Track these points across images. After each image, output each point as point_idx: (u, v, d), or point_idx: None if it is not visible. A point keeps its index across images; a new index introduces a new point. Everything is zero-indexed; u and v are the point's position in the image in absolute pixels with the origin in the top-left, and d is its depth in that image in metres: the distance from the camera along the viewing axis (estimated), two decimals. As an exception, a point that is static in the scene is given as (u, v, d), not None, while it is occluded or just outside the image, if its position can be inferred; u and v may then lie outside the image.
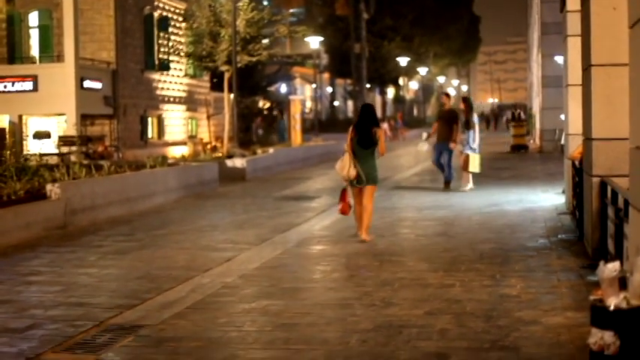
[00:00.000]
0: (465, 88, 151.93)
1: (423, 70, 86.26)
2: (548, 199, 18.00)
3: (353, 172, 12.73)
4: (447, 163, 20.34)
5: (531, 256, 11.16)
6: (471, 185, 20.14)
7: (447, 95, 22.44)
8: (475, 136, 20.19)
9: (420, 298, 8.75)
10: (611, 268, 5.44)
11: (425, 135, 22.39)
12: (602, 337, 5.40)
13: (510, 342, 7.04)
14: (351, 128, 13.12)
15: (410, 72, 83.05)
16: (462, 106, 21.02)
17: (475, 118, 20.43)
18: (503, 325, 7.53)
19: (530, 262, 10.70)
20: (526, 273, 9.98)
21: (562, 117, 19.79)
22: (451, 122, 20.29)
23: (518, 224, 14.34)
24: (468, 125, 20.18)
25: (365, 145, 12.85)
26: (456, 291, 9.03)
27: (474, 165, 20.05)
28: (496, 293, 8.88)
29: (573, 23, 14.22)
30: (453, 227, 14.20)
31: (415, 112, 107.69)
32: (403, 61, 73.02)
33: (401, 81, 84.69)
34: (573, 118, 14.83)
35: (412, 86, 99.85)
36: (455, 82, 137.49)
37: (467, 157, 20.00)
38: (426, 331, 7.43)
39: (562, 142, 21.82)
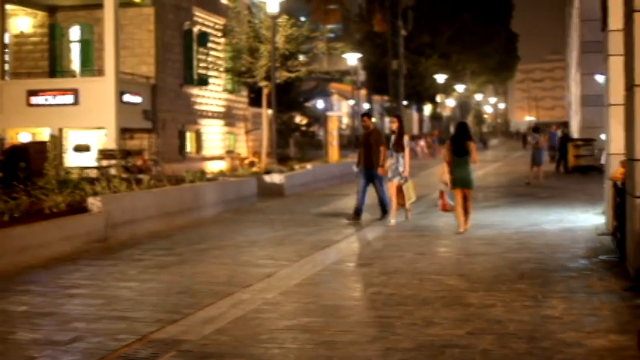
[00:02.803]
0: (502, 105, 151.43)
1: (460, 88, 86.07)
2: (588, 219, 17.88)
3: (447, 177, 16.02)
4: (381, 190, 18.32)
5: (572, 277, 11.08)
6: (393, 221, 17.52)
7: (368, 116, 19.52)
8: (405, 162, 17.61)
9: (462, 317, 8.72)
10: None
11: (355, 169, 19.14)
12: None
13: (554, 364, 7.01)
14: (448, 142, 16.47)
15: (447, 89, 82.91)
16: (394, 126, 17.96)
17: (406, 140, 17.80)
18: (546, 347, 7.49)
19: (571, 283, 10.63)
20: (568, 294, 9.92)
21: (603, 136, 19.59)
22: (375, 145, 18.22)
23: (558, 244, 14.26)
24: (398, 148, 17.54)
25: (459, 154, 15.92)
26: (497, 311, 8.99)
27: (409, 195, 17.77)
28: (538, 314, 8.83)
29: (615, 42, 14.15)
30: (493, 246, 14.13)
31: (452, 129, 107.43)
32: (440, 78, 72.91)
33: (438, 98, 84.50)
34: (615, 137, 14.75)
35: (449, 103, 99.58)
36: (492, 99, 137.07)
37: (400, 187, 17.58)
38: (468, 351, 7.40)
39: (602, 161, 21.63)
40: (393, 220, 17.51)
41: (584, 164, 35.87)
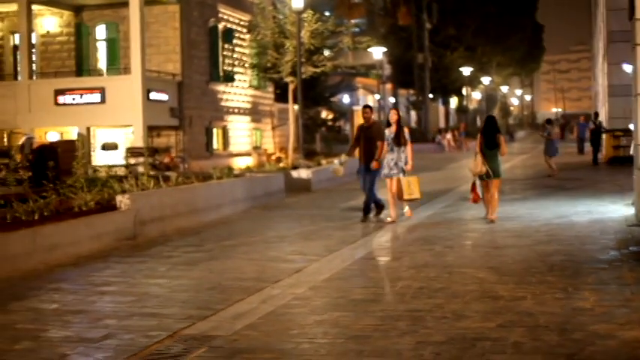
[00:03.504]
0: (528, 97, 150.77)
1: (486, 80, 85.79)
2: (617, 210, 17.78)
3: (483, 169, 16.59)
4: (370, 185, 17.35)
5: (603, 269, 11.02)
6: (393, 217, 17.08)
7: (369, 108, 18.19)
8: (407, 156, 17.21)
9: (492, 310, 8.69)
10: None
11: (343, 158, 18.57)
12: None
13: (586, 356, 6.97)
14: (479, 135, 17.05)
15: (473, 82, 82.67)
16: (393, 118, 17.29)
17: (407, 134, 17.32)
18: (578, 339, 7.46)
19: (601, 275, 10.58)
20: (598, 285, 9.87)
21: (631, 126, 19.44)
22: (375, 139, 17.24)
23: (588, 236, 14.19)
24: (399, 142, 17.10)
25: (490, 147, 16.67)
26: (527, 304, 8.96)
27: (411, 190, 17.08)
28: (569, 306, 8.79)
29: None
30: (522, 239, 14.08)
31: (478, 122, 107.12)
32: (466, 70, 72.68)
33: (464, 91, 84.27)
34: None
35: (475, 96, 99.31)
36: (518, 91, 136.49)
37: (399, 181, 17.05)
38: (499, 344, 7.38)
39: (631, 152, 21.47)
40: (393, 215, 17.03)
41: (624, 155, 35.11)
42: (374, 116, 18.24)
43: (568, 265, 11.30)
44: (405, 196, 17.04)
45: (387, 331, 7.98)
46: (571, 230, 14.95)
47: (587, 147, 41.70)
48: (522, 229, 15.43)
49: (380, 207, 17.70)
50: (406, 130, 17.40)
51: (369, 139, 17.32)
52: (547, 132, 30.22)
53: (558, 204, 19.50)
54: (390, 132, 17.13)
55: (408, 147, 17.19)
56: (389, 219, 16.98)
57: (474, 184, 17.07)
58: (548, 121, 32.06)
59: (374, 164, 17.04)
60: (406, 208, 17.62)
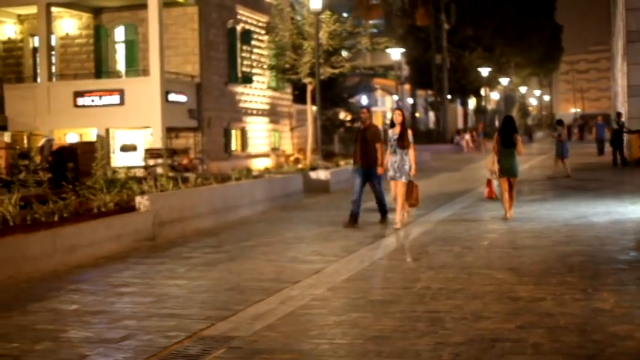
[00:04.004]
0: (547, 98, 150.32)
1: (504, 81, 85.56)
2: (637, 211, 17.71)
3: (495, 167, 17.36)
4: (379, 188, 17.09)
5: (622, 270, 10.98)
6: (399, 225, 16.29)
7: (367, 110, 18.01)
8: (411, 159, 16.46)
9: (511, 311, 8.67)
10: None
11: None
12: None
13: (606, 357, 6.94)
14: (496, 134, 17.73)
15: (491, 82, 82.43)
16: (398, 119, 16.51)
17: (410, 136, 16.57)
18: (598, 340, 7.43)
19: (621, 276, 10.53)
20: (618, 287, 9.83)
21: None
22: (372, 141, 16.86)
23: (607, 237, 14.13)
24: (403, 144, 16.32)
25: (507, 146, 17.26)
26: (547, 304, 8.93)
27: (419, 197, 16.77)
28: (588, 307, 8.76)
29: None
30: (541, 239, 14.04)
31: (497, 122, 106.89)
32: (484, 71, 72.49)
33: (482, 91, 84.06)
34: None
35: (494, 97, 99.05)
36: (537, 92, 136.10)
37: (410, 187, 16.54)
38: (519, 345, 7.36)
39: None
40: (399, 221, 16.33)
41: None
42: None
43: (588, 266, 11.26)
44: (418, 203, 16.84)
45: (406, 332, 7.98)
46: (590, 231, 14.90)
47: (607, 147, 41.50)
48: (542, 229, 15.38)
49: (384, 213, 17.28)
50: (410, 132, 16.67)
51: (365, 141, 16.96)
52: (558, 133, 30.12)
53: (578, 204, 19.43)
54: (393, 133, 16.52)
55: (411, 150, 16.43)
56: (396, 225, 16.26)
57: (489, 180, 18.08)
58: (559, 122, 31.93)
59: (379, 170, 16.75)
60: (408, 214, 17.01)
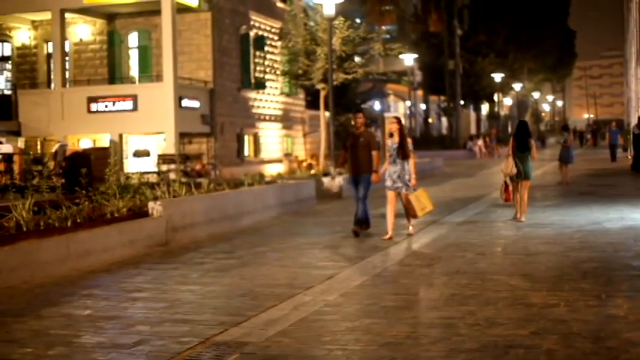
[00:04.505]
0: (560, 103, 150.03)
1: (517, 86, 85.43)
2: (651, 217, 17.67)
3: (514, 170, 17.74)
4: (363, 197, 16.09)
5: (636, 276, 10.94)
6: (389, 234, 15.69)
7: (362, 113, 16.86)
8: (410, 169, 15.80)
9: (525, 317, 8.64)
10: None
11: (333, 171, 16.82)
12: None
13: (620, 364, 6.93)
14: (511, 139, 18.29)
15: (504, 88, 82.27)
16: (393, 127, 15.86)
17: (410, 145, 15.92)
18: (612, 347, 7.40)
19: (635, 282, 10.49)
20: (632, 293, 9.79)
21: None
22: (369, 148, 15.97)
23: (621, 243, 14.09)
24: (404, 154, 15.66)
25: (521, 150, 17.93)
26: (560, 311, 8.90)
27: (422, 205, 15.92)
28: (602, 313, 8.73)
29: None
30: (555, 246, 14.01)
31: (510, 128, 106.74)
32: (497, 77, 72.40)
33: (495, 97, 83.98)
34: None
35: (506, 102, 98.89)
36: (550, 97, 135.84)
37: (408, 199, 15.86)
38: (532, 351, 7.33)
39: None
40: (390, 232, 15.60)
41: None
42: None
43: (601, 272, 11.22)
44: (419, 213, 15.87)
45: (419, 338, 7.96)
46: (604, 237, 14.85)
47: (619, 153, 41.38)
48: (555, 235, 15.34)
49: (367, 225, 16.32)
50: (409, 141, 15.97)
51: (359, 147, 16.01)
52: (564, 139, 30.05)
53: (591, 210, 19.38)
54: (392, 142, 15.76)
55: (411, 159, 15.76)
56: (385, 236, 15.56)
57: (506, 185, 18.01)
58: (564, 128, 31.86)
59: (374, 176, 15.90)
60: (410, 228, 16.21)
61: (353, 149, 16.16)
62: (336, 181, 16.70)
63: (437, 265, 12.41)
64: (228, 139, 39.02)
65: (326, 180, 16.90)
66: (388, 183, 15.77)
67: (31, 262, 11.98)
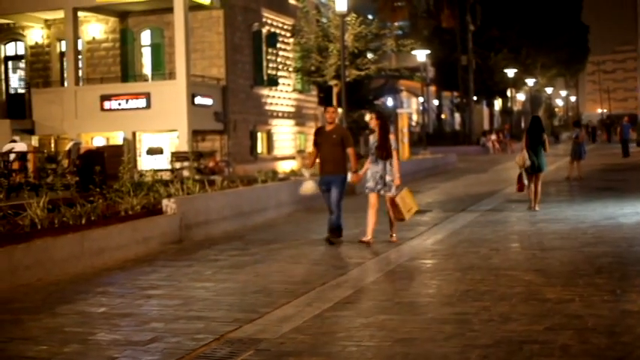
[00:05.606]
0: (573, 98, 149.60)
1: (530, 82, 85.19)
2: (666, 211, 17.61)
3: (529, 162, 18.64)
4: (337, 201, 14.76)
5: (651, 271, 10.93)
6: (369, 237, 14.60)
7: (334, 107, 15.41)
8: (394, 169, 14.56)
9: (539, 313, 8.63)
10: None
11: (306, 172, 16.36)
12: None
13: (635, 359, 6.90)
14: (525, 134, 19.41)
15: (517, 83, 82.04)
16: (373, 123, 14.73)
17: (393, 142, 14.55)
18: (626, 342, 7.39)
19: (650, 277, 10.48)
20: (647, 288, 9.78)
21: None
22: (343, 145, 14.60)
23: (635, 237, 14.05)
24: (385, 153, 14.41)
25: (535, 144, 18.91)
26: (575, 306, 8.89)
27: (408, 206, 14.92)
28: (617, 309, 8.71)
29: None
30: (569, 241, 13.97)
31: (523, 123, 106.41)
32: (510, 72, 72.20)
33: (508, 92, 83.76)
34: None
35: (520, 98, 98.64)
36: (563, 92, 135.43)
37: (393, 203, 14.74)
38: (547, 347, 7.32)
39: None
40: (370, 236, 14.48)
41: None
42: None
43: (616, 267, 11.19)
44: (407, 216, 14.84)
45: (434, 334, 7.96)
46: (618, 232, 14.81)
47: (633, 147, 41.16)
48: (569, 230, 15.31)
49: (339, 233, 14.93)
50: (392, 138, 14.60)
51: (332, 144, 14.64)
52: (575, 134, 30.01)
53: (605, 205, 19.33)
54: (373, 139, 14.59)
55: (395, 159, 14.51)
56: (365, 238, 14.52)
57: (520, 175, 18.99)
58: (576, 124, 31.81)
59: (353, 177, 14.77)
60: (393, 235, 14.89)
61: (326, 146, 14.72)
62: (309, 183, 15.83)
63: (450, 261, 12.40)
64: (241, 137, 39.04)
65: (305, 184, 15.97)
66: (370, 184, 14.58)
67: (46, 259, 12.02)
